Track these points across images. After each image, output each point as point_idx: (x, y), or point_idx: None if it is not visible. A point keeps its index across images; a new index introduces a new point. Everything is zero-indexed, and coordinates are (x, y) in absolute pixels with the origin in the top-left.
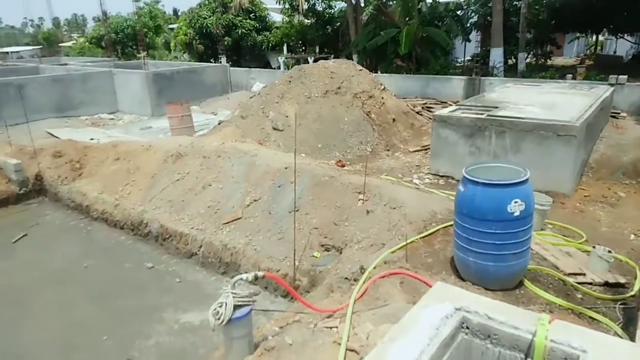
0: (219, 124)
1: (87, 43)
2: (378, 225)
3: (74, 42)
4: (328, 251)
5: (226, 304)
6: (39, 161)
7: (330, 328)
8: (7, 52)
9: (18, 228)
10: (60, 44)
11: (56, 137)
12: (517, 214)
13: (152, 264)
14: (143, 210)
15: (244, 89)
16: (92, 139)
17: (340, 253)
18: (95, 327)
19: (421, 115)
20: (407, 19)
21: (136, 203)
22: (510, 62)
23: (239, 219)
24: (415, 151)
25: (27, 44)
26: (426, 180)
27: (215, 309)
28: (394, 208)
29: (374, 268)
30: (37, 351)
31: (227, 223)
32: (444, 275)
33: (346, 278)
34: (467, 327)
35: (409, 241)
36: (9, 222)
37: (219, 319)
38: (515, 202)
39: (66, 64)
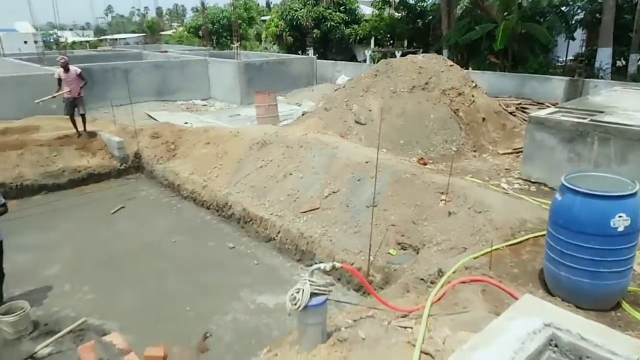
0: (303, 114)
1: (185, 32)
2: (460, 228)
3: (174, 30)
4: (404, 250)
5: (303, 290)
6: (139, 140)
7: (405, 328)
8: (115, 39)
9: (117, 200)
10: (162, 32)
11: (154, 119)
12: (621, 229)
13: (233, 245)
14: (228, 193)
15: (328, 81)
16: (186, 123)
17: (417, 253)
18: (179, 298)
19: (514, 116)
20: (505, 13)
21: (222, 186)
22: (619, 64)
23: (316, 209)
24: (505, 154)
25: (133, 32)
26: (515, 185)
27: (292, 295)
28: (479, 212)
29: (454, 272)
30: (131, 315)
31: (305, 212)
32: (531, 288)
33: (422, 279)
34: (556, 345)
35: (494, 248)
36: (109, 195)
37: (295, 304)
38: (620, 216)
39: (166, 52)
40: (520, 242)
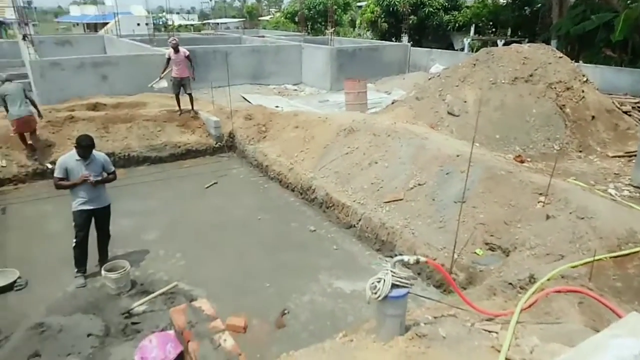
0: (392, 103)
1: (282, 18)
2: (558, 233)
3: (272, 16)
4: (492, 251)
5: (385, 280)
6: (233, 121)
7: (490, 332)
8: (217, 23)
9: (210, 176)
10: (260, 18)
11: (248, 101)
12: None
13: (315, 228)
14: (313, 177)
15: (421, 69)
16: (277, 107)
17: (507, 255)
18: (261, 273)
19: (629, 115)
20: (628, 1)
21: (307, 169)
22: None
23: (400, 200)
24: (615, 157)
25: (234, 17)
26: (625, 192)
27: (373, 283)
28: (582, 218)
29: (548, 280)
30: (216, 285)
31: (388, 202)
32: (636, 306)
33: (510, 284)
34: None
35: (596, 258)
36: (204, 170)
37: (375, 293)
38: None
39: (263, 36)
40: (628, 254)
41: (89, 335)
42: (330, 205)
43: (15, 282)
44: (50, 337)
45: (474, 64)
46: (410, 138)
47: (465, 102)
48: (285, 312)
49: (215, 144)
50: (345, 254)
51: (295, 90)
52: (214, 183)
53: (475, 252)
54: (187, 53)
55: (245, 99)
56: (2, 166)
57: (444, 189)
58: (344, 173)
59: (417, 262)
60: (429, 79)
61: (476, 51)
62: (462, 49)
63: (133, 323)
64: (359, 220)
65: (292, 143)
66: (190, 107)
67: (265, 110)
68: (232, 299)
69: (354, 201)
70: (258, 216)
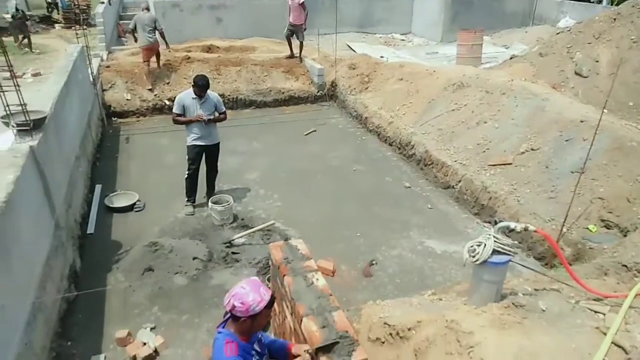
0: (511, 58)
1: None
2: None
3: None
4: (608, 229)
5: (485, 245)
6: (337, 70)
7: (596, 312)
8: None
9: (310, 124)
10: None
11: (353, 50)
12: None
13: (410, 185)
14: (413, 132)
15: (547, 23)
16: (381, 57)
17: (625, 235)
18: (352, 223)
19: None
20: None
21: (408, 124)
22: None
23: (508, 164)
24: None
25: None
26: None
27: (472, 246)
28: None
29: None
30: (309, 228)
31: (494, 165)
32: None
33: (625, 266)
34: None
35: None
36: (304, 117)
37: (473, 257)
38: None
39: None
40: None
41: (194, 258)
42: (429, 163)
43: (135, 204)
44: (162, 255)
45: (614, 19)
46: (528, 98)
47: (597, 62)
48: (374, 262)
49: (317, 92)
50: (440, 215)
51: (403, 40)
52: (313, 131)
53: (587, 228)
54: (302, 0)
55: (350, 48)
56: (127, 99)
57: (561, 157)
58: (448, 131)
59: (525, 230)
60: (557, 34)
61: (617, 4)
62: (600, 2)
63: (233, 253)
64: (459, 181)
65: (395, 96)
66: (297, 54)
67: (370, 60)
68: (323, 244)
69: (455, 161)
70: (353, 167)
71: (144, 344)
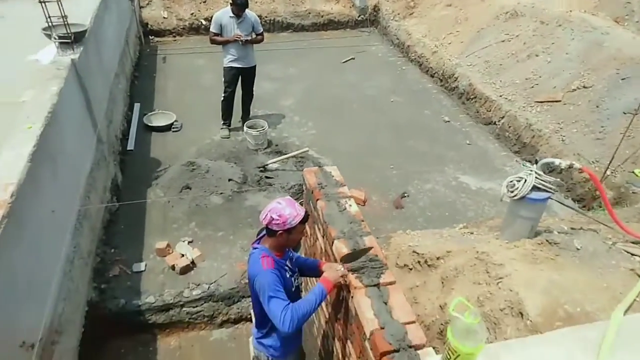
0: None
1: None
2: None
3: None
4: None
5: (526, 180)
6: None
7: (632, 255)
8: None
9: (348, 51)
10: None
11: None
12: None
13: (449, 119)
14: (457, 64)
15: None
16: None
17: None
18: (386, 154)
19: None
20: None
21: (453, 55)
22: None
23: (556, 101)
24: None
25: None
26: None
27: (512, 181)
28: None
29: None
30: (342, 157)
31: (542, 102)
32: None
33: None
34: None
35: None
36: (343, 44)
37: (512, 192)
38: None
39: None
40: None
41: (229, 180)
42: (472, 97)
43: (172, 124)
44: (198, 175)
45: None
46: (586, 31)
47: None
48: (405, 194)
49: (358, 17)
50: (478, 151)
51: None
52: (351, 58)
53: (633, 172)
54: None
55: None
56: (164, 17)
57: (614, 96)
58: (495, 63)
59: (570, 167)
60: None
61: None
62: None
63: (267, 177)
64: (502, 117)
65: (441, 23)
66: None
67: None
68: (355, 174)
69: (500, 96)
70: (391, 98)
71: (182, 255)
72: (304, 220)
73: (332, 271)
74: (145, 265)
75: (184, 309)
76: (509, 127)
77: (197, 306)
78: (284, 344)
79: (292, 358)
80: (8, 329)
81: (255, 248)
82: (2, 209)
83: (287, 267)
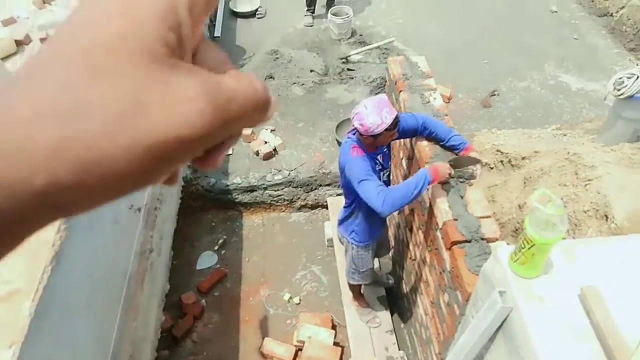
0: None
1: None
2: None
3: None
4: None
5: (638, 77)
6: None
7: None
8: None
9: None
10: None
11: None
12: None
13: (557, 9)
14: None
15: None
16: None
17: None
18: (481, 48)
19: None
20: None
21: None
22: None
23: None
24: None
25: None
26: None
27: (620, 78)
28: None
29: None
30: (432, 50)
31: None
32: None
33: None
34: None
35: None
36: None
37: (619, 89)
38: None
39: None
40: None
41: (311, 70)
42: None
43: (257, 9)
44: (281, 64)
45: None
46: None
47: None
48: (495, 93)
49: None
50: (587, 47)
51: None
52: None
53: None
54: None
55: None
56: None
57: None
58: None
59: None
60: None
61: None
62: None
63: (349, 69)
64: (622, 7)
65: None
66: None
67: None
68: (443, 67)
69: None
70: None
71: (265, 142)
72: (392, 127)
73: (442, 165)
74: (232, 149)
75: (267, 191)
76: (628, 19)
77: (278, 190)
78: (366, 230)
79: (372, 246)
80: None
81: (349, 137)
82: None
83: (377, 161)
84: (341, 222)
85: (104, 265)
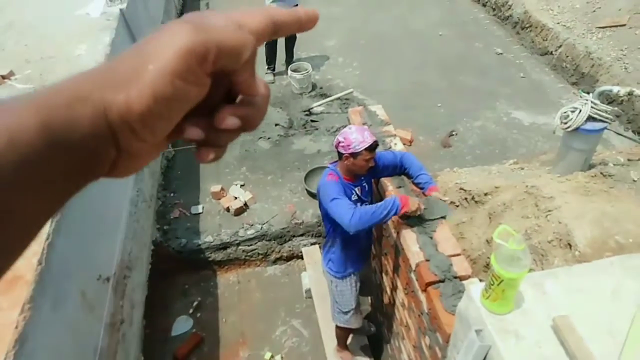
0: None
1: None
2: None
3: None
4: None
5: (581, 111)
6: None
7: None
8: None
9: None
10: None
11: None
12: None
13: (502, 51)
14: None
15: None
16: None
17: None
18: (433, 92)
19: None
20: None
21: None
22: None
23: (621, 25)
24: None
25: None
26: None
27: (565, 112)
28: None
29: None
30: (387, 97)
31: (604, 28)
32: None
33: None
34: None
35: None
36: None
37: (565, 123)
38: None
39: None
40: None
41: (276, 124)
42: (527, 25)
43: None
44: None
45: None
46: None
47: None
48: (453, 133)
49: None
50: (533, 84)
51: None
52: None
53: None
54: None
55: None
56: None
57: None
58: None
59: (630, 94)
60: None
61: None
62: None
63: (312, 121)
64: (559, 46)
65: None
66: None
67: None
68: (402, 113)
69: (558, 23)
70: (440, 31)
71: (235, 198)
72: (371, 148)
73: (412, 197)
74: (203, 208)
75: (240, 247)
76: (567, 56)
77: (251, 244)
78: (341, 259)
79: (352, 281)
80: (87, 261)
81: (328, 167)
82: None
83: (354, 192)
84: (323, 251)
85: (72, 342)
